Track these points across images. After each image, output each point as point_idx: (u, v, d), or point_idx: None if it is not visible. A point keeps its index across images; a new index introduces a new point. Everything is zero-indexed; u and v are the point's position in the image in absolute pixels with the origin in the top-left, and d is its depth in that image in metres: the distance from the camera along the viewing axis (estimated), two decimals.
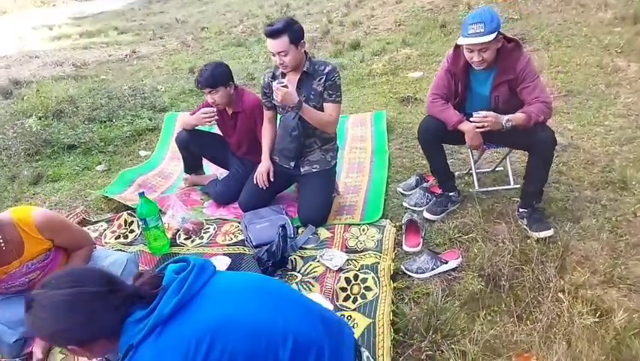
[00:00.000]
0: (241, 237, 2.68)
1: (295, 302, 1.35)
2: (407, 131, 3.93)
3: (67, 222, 2.14)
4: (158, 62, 8.26)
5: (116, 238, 2.76)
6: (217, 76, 2.85)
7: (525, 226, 2.55)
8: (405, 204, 2.89)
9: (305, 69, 2.65)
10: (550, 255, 2.31)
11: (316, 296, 2.15)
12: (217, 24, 11.02)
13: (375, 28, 8.75)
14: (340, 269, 2.34)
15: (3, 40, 11.64)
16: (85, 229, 2.84)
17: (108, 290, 1.18)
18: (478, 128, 2.41)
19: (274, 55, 2.55)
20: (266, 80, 2.77)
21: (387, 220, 2.73)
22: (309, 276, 2.32)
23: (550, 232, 2.44)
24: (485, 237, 2.53)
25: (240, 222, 2.79)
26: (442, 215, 2.73)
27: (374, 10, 10.30)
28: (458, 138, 2.59)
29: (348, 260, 2.41)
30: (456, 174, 3.15)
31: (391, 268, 2.32)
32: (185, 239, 2.72)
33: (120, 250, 2.63)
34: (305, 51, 2.68)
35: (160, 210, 2.90)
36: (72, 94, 6.01)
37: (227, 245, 2.63)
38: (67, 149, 4.39)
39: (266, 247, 2.38)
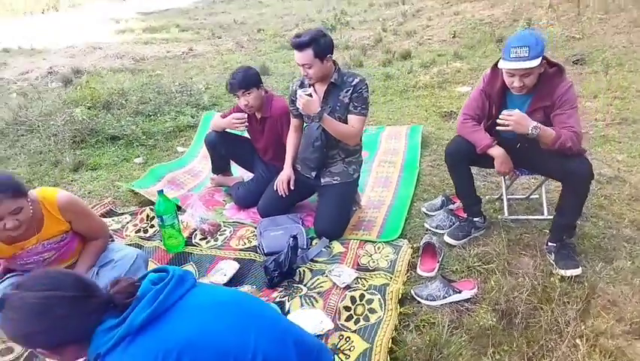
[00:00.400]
0: (255, 242, 2.67)
1: (270, 323, 1.31)
2: (442, 148, 3.77)
3: (88, 210, 2.20)
4: (211, 60, 8.47)
5: (136, 232, 2.83)
6: (250, 78, 2.87)
7: (552, 261, 2.39)
8: (426, 225, 2.78)
9: (332, 80, 2.61)
10: (574, 296, 2.14)
11: (317, 313, 2.10)
12: (274, 27, 11.19)
13: (429, 39, 8.58)
14: (348, 287, 2.28)
15: (71, 31, 12.36)
16: (109, 219, 2.95)
17: (81, 296, 1.18)
18: (500, 126, 2.27)
19: (300, 66, 2.54)
20: (294, 87, 2.76)
21: (405, 240, 2.63)
22: (314, 290, 2.27)
23: (577, 271, 2.27)
24: (506, 269, 2.38)
25: (256, 228, 2.78)
26: (463, 240, 2.61)
27: (430, 20, 10.11)
28: (488, 161, 2.47)
29: (357, 278, 2.34)
30: (487, 198, 3.01)
31: (400, 291, 2.22)
32: (200, 239, 2.74)
33: (138, 244, 2.69)
34: (334, 61, 2.64)
35: (180, 208, 2.96)
36: (125, 87, 6.26)
37: (240, 250, 2.63)
38: (111, 139, 4.56)
39: (274, 256, 2.35)
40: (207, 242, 2.72)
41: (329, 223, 2.66)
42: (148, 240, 2.75)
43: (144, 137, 4.62)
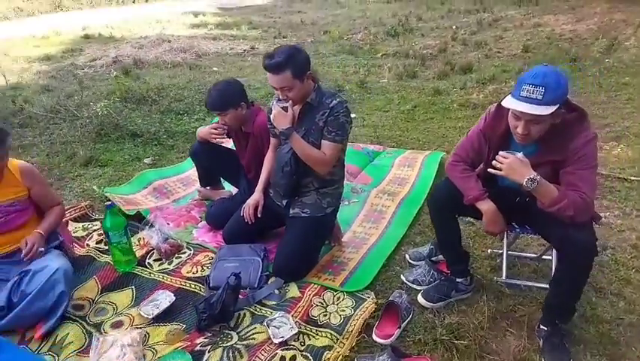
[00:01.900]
0: (208, 272, 2.43)
1: None
2: None
3: (45, 181, 2.46)
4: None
5: (97, 243, 2.69)
6: (226, 98, 2.64)
7: (540, 349, 1.92)
8: (403, 277, 2.39)
9: (309, 100, 2.30)
10: None
11: None
12: (341, 29, 10.91)
13: (498, 52, 7.90)
14: (284, 343, 1.97)
15: (149, 22, 12.92)
16: (78, 225, 2.86)
17: None
18: (491, 168, 1.85)
19: (276, 89, 2.25)
20: (272, 104, 2.48)
21: (372, 294, 2.26)
22: (244, 341, 1.99)
23: None
24: (481, 350, 1.95)
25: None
26: (439, 304, 2.19)
27: (506, 31, 9.36)
28: (478, 213, 2.04)
29: (299, 334, 2.02)
30: (488, 251, 2.55)
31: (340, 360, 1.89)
32: (154, 260, 2.54)
33: (92, 256, 2.55)
34: (313, 78, 2.33)
35: (146, 221, 2.79)
36: (166, 83, 6.33)
37: (188, 278, 2.39)
38: (131, 136, 4.54)
39: (208, 295, 2.10)
40: (160, 264, 2.52)
41: (287, 261, 2.35)
42: (104, 253, 2.60)
43: (165, 136, 4.57)
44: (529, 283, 2.30)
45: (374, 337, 2.03)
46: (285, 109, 2.25)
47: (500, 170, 1.82)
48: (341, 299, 2.23)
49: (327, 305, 2.20)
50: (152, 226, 2.69)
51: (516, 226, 2.19)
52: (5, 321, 1.97)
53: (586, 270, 1.80)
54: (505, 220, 2.04)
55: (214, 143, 2.95)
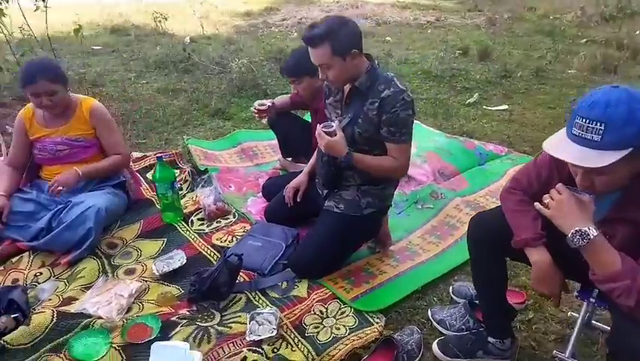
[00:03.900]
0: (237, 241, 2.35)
1: None
2: None
3: (114, 126, 2.51)
4: (448, 35, 7.71)
5: None
6: (303, 63, 2.42)
7: None
8: (429, 313, 1.94)
9: (357, 84, 1.96)
10: None
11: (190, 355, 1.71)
12: (551, 6, 9.42)
13: None
14: (254, 343, 1.79)
15: None
16: None
17: None
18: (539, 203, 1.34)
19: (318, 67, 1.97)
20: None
21: (383, 319, 1.90)
22: (220, 327, 1.86)
23: None
24: None
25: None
26: (455, 360, 1.72)
27: None
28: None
29: (279, 338, 1.81)
30: (568, 313, 1.91)
31: None
32: (198, 218, 2.56)
33: (153, 201, 2.67)
34: (368, 56, 1.98)
35: (207, 181, 2.81)
36: None
37: (213, 245, 2.35)
38: (264, 95, 4.66)
39: (202, 270, 2.01)
40: (201, 224, 2.52)
41: (303, 255, 2.11)
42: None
43: None
44: None
45: None
46: (333, 134, 1.94)
47: (547, 208, 1.29)
48: (344, 315, 1.93)
49: (326, 317, 1.92)
50: (210, 184, 2.71)
51: (593, 296, 1.56)
52: (42, 241, 2.20)
53: None
54: (575, 280, 1.46)
55: (293, 113, 2.80)
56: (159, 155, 2.48)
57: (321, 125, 1.99)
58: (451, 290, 2.07)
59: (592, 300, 1.57)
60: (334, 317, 1.93)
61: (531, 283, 1.49)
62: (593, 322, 1.84)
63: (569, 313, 1.93)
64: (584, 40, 7.20)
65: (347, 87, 2.03)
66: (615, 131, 1.11)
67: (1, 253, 2.22)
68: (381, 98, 1.91)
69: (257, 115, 2.69)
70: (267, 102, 2.65)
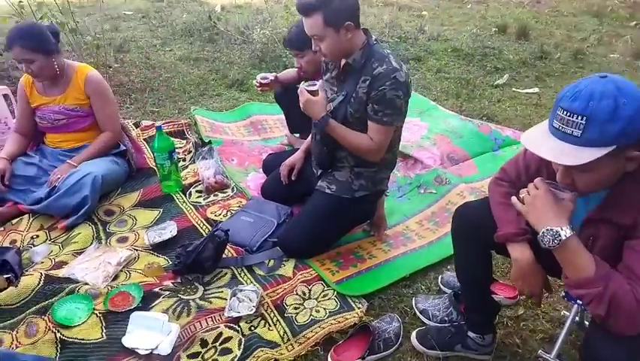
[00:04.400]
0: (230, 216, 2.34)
1: None
2: None
3: (109, 97, 2.44)
4: (494, 11, 7.31)
5: None
6: (307, 37, 2.34)
7: None
8: (413, 301, 1.88)
9: (350, 60, 1.88)
10: None
11: (168, 326, 1.73)
12: None
13: None
14: (232, 319, 1.79)
15: None
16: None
17: None
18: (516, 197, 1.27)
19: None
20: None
21: (365, 305, 1.86)
22: (201, 301, 1.87)
23: None
24: None
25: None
26: (432, 353, 1.67)
27: None
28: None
29: (258, 317, 1.80)
30: (562, 313, 1.82)
31: None
32: (196, 191, 2.56)
33: (154, 170, 2.67)
34: (365, 30, 1.88)
35: (208, 153, 2.79)
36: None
37: (207, 219, 2.34)
38: (284, 67, 4.58)
39: (189, 243, 2.01)
40: (198, 196, 2.52)
41: (291, 234, 2.08)
42: None
43: None
44: None
45: (328, 358, 1.68)
46: (315, 93, 1.89)
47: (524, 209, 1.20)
48: (326, 298, 1.90)
49: (307, 298, 1.90)
50: (210, 156, 2.70)
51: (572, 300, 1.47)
52: (41, 205, 2.25)
53: None
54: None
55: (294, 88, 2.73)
56: (159, 125, 2.47)
57: (305, 83, 1.94)
58: (440, 280, 2.00)
59: (579, 302, 1.48)
60: (316, 299, 1.90)
61: (510, 280, 1.42)
62: (586, 322, 1.74)
63: (562, 313, 1.84)
64: (634, 22, 6.73)
65: (343, 62, 1.95)
66: (597, 127, 1.01)
67: (3, 214, 2.29)
68: (372, 75, 1.82)
69: (259, 89, 2.63)
70: (270, 76, 2.59)
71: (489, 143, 2.98)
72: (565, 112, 1.04)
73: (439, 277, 2.01)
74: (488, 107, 3.82)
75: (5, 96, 2.91)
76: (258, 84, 2.59)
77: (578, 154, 1.03)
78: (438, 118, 3.17)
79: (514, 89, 4.33)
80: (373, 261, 2.09)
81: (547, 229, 1.12)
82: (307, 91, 1.90)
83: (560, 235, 1.10)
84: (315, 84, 1.92)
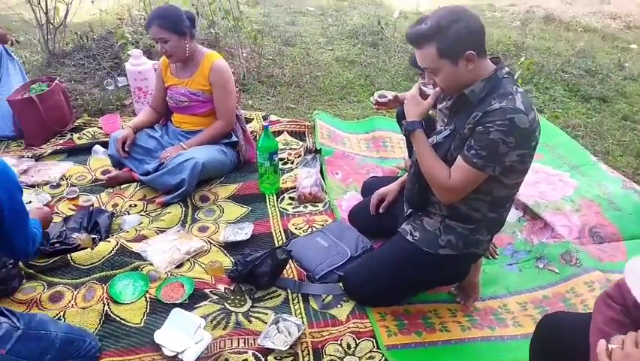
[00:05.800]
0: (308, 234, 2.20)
1: None
2: None
3: (230, 88, 2.48)
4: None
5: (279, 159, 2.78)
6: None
7: None
8: None
9: (466, 92, 1.55)
10: None
11: (202, 333, 1.67)
12: None
13: None
14: (263, 349, 1.64)
15: None
16: (288, 137, 3.01)
17: None
18: None
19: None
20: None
21: None
22: (245, 317, 1.76)
23: None
24: None
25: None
26: None
27: None
28: None
29: (287, 354, 1.64)
30: None
31: None
32: (289, 197, 2.46)
33: None
34: (497, 61, 1.54)
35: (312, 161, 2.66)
36: None
37: (285, 230, 2.23)
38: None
39: (252, 254, 1.91)
40: (289, 203, 2.42)
41: (355, 275, 1.85)
42: None
43: None
44: None
45: None
46: (425, 96, 1.62)
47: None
48: (373, 359, 1.64)
49: (350, 354, 1.66)
50: (314, 165, 2.58)
51: None
52: (147, 178, 2.41)
53: None
54: None
55: None
56: (265, 124, 2.43)
57: (421, 83, 1.74)
58: None
59: None
60: (359, 357, 1.65)
61: None
62: None
63: None
64: None
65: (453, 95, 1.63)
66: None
67: (118, 177, 2.49)
68: (484, 111, 1.48)
69: (376, 107, 2.41)
70: (389, 95, 2.35)
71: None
72: None
73: None
74: None
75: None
76: (374, 102, 2.38)
77: None
78: (593, 179, 2.54)
79: None
80: (444, 335, 1.74)
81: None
82: (420, 90, 1.67)
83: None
84: (432, 90, 1.66)
